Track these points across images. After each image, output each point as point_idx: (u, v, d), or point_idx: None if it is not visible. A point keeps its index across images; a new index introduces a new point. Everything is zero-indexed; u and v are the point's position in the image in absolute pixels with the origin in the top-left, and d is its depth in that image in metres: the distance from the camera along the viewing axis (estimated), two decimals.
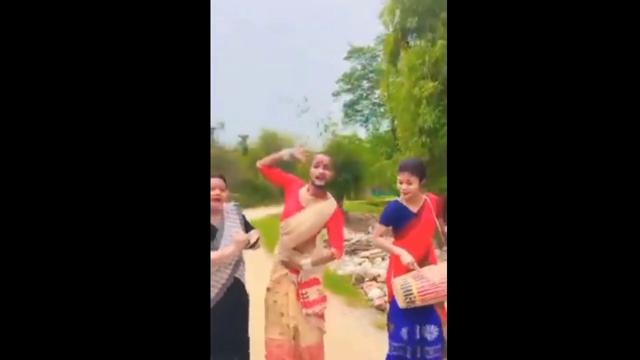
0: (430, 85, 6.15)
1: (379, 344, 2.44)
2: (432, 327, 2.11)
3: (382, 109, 18.47)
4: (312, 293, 2.09)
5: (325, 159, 2.14)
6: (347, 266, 5.28)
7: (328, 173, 2.10)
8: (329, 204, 2.13)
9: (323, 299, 2.13)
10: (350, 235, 7.53)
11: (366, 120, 21.13)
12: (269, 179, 2.27)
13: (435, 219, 2.21)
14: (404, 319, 2.11)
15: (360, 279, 4.61)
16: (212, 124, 22.32)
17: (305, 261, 2.01)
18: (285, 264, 2.10)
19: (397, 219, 2.20)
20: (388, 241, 2.27)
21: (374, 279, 4.47)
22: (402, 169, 2.17)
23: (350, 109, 22.20)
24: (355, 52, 21.45)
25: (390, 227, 2.24)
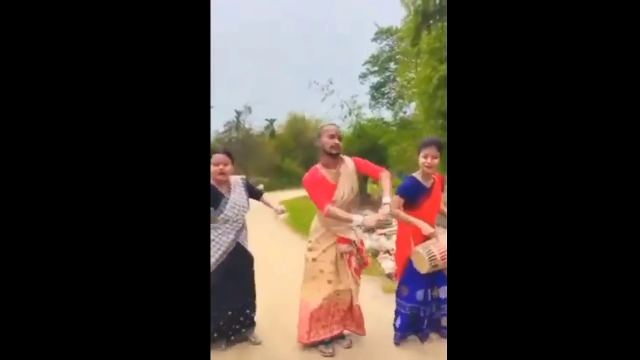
0: (442, 68, 6.26)
1: (387, 304, 2.85)
2: (444, 287, 2.43)
3: (409, 92, 18.21)
4: (364, 256, 2.45)
5: (337, 129, 2.33)
6: (365, 241, 5.69)
7: (340, 143, 2.32)
8: (348, 163, 2.36)
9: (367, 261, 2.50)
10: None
11: (393, 103, 20.86)
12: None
13: (441, 193, 2.49)
14: (419, 283, 2.39)
15: (375, 253, 5.00)
16: (240, 107, 22.52)
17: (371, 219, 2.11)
18: (341, 232, 2.30)
19: (414, 193, 2.40)
20: (405, 213, 2.39)
21: (388, 252, 4.86)
22: (428, 144, 2.35)
23: (377, 92, 21.94)
24: (382, 34, 21.02)
25: (403, 200, 2.40)
